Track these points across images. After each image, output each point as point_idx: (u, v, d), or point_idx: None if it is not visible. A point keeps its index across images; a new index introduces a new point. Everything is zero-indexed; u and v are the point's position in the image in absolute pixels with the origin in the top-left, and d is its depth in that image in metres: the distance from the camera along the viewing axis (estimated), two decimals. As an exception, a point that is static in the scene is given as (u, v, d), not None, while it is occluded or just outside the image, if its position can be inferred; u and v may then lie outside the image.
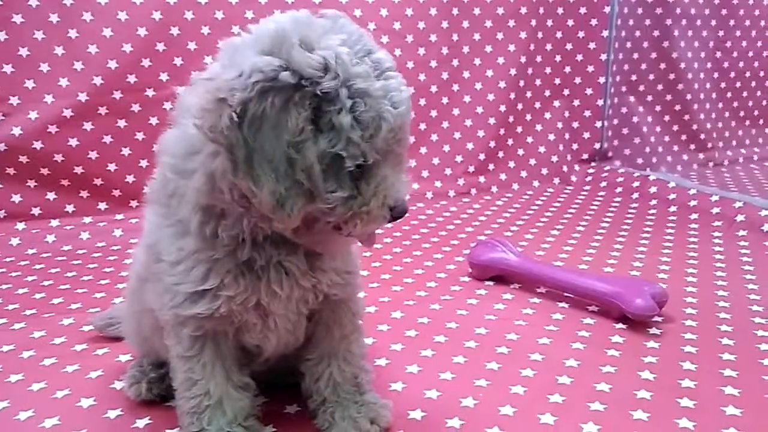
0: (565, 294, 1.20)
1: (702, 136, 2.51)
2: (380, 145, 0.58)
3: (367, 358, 0.93)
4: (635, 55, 2.33)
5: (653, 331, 1.05)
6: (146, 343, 0.83)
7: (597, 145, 2.27)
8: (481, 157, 2.09)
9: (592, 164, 2.26)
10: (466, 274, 1.34)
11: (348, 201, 0.60)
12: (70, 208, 1.64)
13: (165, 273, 0.66)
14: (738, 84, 2.59)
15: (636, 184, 2.01)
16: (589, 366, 0.94)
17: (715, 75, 2.53)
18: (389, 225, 0.66)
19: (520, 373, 0.93)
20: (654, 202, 1.89)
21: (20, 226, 1.59)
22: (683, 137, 2.49)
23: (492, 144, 2.11)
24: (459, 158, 2.07)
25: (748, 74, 2.61)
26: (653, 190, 1.94)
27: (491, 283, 1.29)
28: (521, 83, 2.13)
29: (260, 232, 0.65)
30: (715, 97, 2.55)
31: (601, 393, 0.87)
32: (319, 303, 0.73)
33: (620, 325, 1.08)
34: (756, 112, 2.69)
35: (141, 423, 0.82)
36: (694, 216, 1.73)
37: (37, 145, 1.57)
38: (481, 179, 2.09)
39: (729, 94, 2.59)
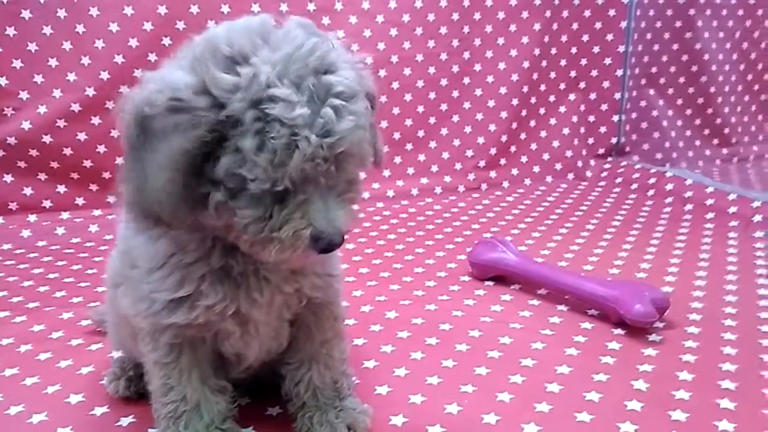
0: (566, 297, 1.17)
1: (726, 131, 2.42)
2: (294, 174, 0.53)
3: (356, 360, 0.93)
4: (656, 47, 2.25)
5: (653, 337, 1.02)
6: (125, 347, 0.83)
7: (614, 140, 2.21)
8: (493, 151, 2.05)
9: (608, 159, 2.20)
10: (467, 274, 1.32)
11: (259, 222, 0.56)
12: (80, 201, 1.67)
13: (141, 280, 0.66)
14: (766, 76, 2.49)
15: (652, 180, 1.95)
16: (581, 373, 0.92)
17: (741, 67, 2.43)
18: (317, 255, 0.59)
19: (508, 380, 0.91)
20: (670, 199, 1.83)
21: (32, 218, 1.62)
22: (706, 132, 2.40)
23: (504, 138, 2.06)
24: (469, 153, 2.04)
25: (777, 66, 2.50)
26: (669, 187, 1.87)
27: (491, 283, 1.27)
28: (535, 76, 2.07)
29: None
30: (741, 90, 2.45)
31: (590, 403, 0.84)
32: (301, 307, 0.72)
33: (619, 331, 1.04)
34: (784, 106, 2.58)
35: (125, 421, 0.82)
36: (710, 215, 1.67)
37: (47, 139, 1.59)
38: (492, 174, 2.05)
39: (756, 87, 2.49)
